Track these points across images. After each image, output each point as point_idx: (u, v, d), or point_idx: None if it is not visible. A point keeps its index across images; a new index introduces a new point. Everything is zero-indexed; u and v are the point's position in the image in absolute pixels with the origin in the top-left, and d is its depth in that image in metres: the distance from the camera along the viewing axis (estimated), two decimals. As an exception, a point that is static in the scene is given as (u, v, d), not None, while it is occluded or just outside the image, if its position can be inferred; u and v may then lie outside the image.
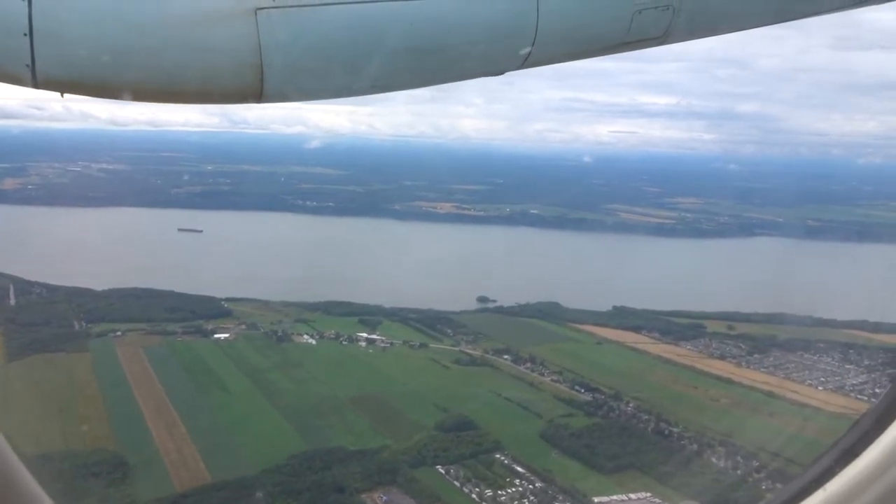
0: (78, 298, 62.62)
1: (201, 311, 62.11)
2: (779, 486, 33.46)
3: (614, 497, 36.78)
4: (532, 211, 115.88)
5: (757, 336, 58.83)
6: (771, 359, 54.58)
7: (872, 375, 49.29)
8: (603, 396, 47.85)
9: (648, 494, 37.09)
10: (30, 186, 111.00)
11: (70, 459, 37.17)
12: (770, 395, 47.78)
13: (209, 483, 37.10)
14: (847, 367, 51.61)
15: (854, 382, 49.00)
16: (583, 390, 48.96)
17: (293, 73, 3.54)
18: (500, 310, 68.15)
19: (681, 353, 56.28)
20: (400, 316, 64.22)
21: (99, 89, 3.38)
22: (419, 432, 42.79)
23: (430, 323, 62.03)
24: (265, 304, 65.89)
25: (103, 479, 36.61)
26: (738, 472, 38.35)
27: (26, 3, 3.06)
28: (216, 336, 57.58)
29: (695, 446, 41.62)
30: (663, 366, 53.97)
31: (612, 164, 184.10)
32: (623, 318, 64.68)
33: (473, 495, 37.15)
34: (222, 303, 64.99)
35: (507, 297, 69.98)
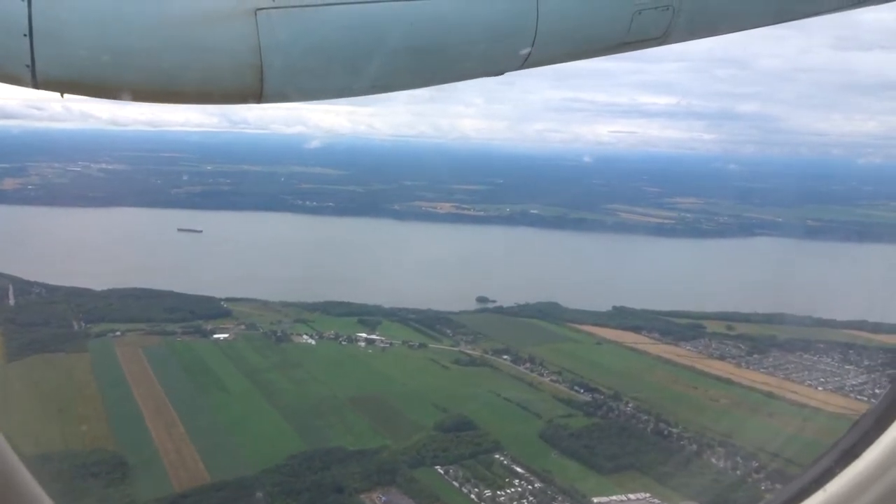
0: (77, 298, 62.59)
1: (201, 311, 62.09)
2: (778, 486, 33.44)
3: (613, 497, 36.74)
4: (532, 211, 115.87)
5: (756, 336, 58.79)
6: (770, 359, 54.55)
7: (872, 376, 49.26)
8: (602, 397, 47.82)
9: (648, 495, 37.06)
10: (30, 186, 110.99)
11: (69, 459, 37.12)
12: (770, 395, 47.74)
13: (208, 483, 37.08)
14: (847, 367, 51.58)
15: (854, 383, 48.97)
16: (582, 390, 48.93)
17: (293, 73, 3.55)
18: (500, 310, 68.11)
19: (680, 353, 56.25)
20: (399, 316, 64.19)
21: (99, 90, 3.40)
22: (418, 432, 42.76)
23: (430, 323, 62.01)
24: (264, 305, 65.85)
25: (102, 479, 36.59)
26: (738, 472, 38.33)
27: (26, 3, 3.07)
28: (215, 336, 57.55)
29: (694, 447, 41.59)
30: (663, 366, 53.93)
31: (612, 164, 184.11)
32: (623, 318, 64.64)
33: (472, 495, 37.10)
34: (222, 303, 64.96)
35: (506, 298, 69.96)
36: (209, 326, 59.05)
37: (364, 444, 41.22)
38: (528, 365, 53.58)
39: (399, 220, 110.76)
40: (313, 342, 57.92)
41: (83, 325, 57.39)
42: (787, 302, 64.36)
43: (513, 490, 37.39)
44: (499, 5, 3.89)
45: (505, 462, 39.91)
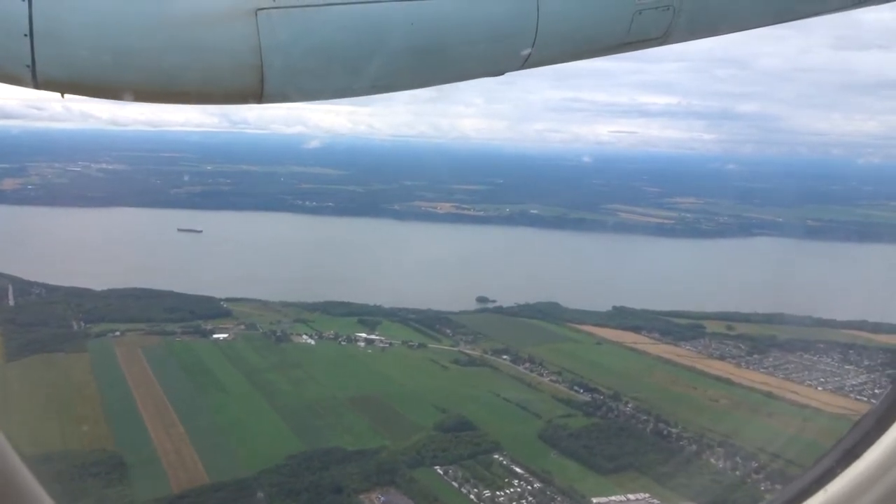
0: (77, 298, 62.57)
1: (200, 311, 62.06)
2: (777, 486, 33.45)
3: (613, 498, 36.68)
4: (532, 211, 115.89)
5: (756, 336, 58.76)
6: (770, 359, 54.51)
7: (872, 376, 49.22)
8: (602, 397, 47.78)
9: (647, 495, 37.02)
10: (29, 186, 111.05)
11: (68, 460, 37.04)
12: (769, 395, 47.69)
13: (207, 484, 37.03)
14: (847, 367, 51.54)
15: (854, 383, 48.93)
16: (582, 391, 48.89)
17: (293, 73, 3.55)
18: (500, 310, 68.09)
19: (680, 353, 56.21)
20: (399, 316, 64.16)
21: (99, 90, 3.40)
22: (418, 433, 42.72)
23: (430, 323, 61.97)
24: (264, 305, 65.83)
25: (101, 479, 36.57)
26: (737, 472, 38.28)
27: (26, 3, 3.07)
28: (215, 336, 57.51)
29: (694, 447, 41.53)
30: (663, 366, 53.88)
31: (612, 164, 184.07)
32: (622, 318, 64.61)
33: (472, 496, 37.05)
34: (221, 303, 64.93)
35: (506, 298, 69.93)
36: (209, 326, 59.03)
37: (363, 445, 41.19)
38: (527, 365, 53.54)
39: (399, 220, 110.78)
40: (313, 342, 57.89)
41: (83, 325, 57.37)
42: (787, 302, 64.34)
43: (512, 490, 37.33)
44: (499, 6, 3.89)
45: (504, 462, 39.87)
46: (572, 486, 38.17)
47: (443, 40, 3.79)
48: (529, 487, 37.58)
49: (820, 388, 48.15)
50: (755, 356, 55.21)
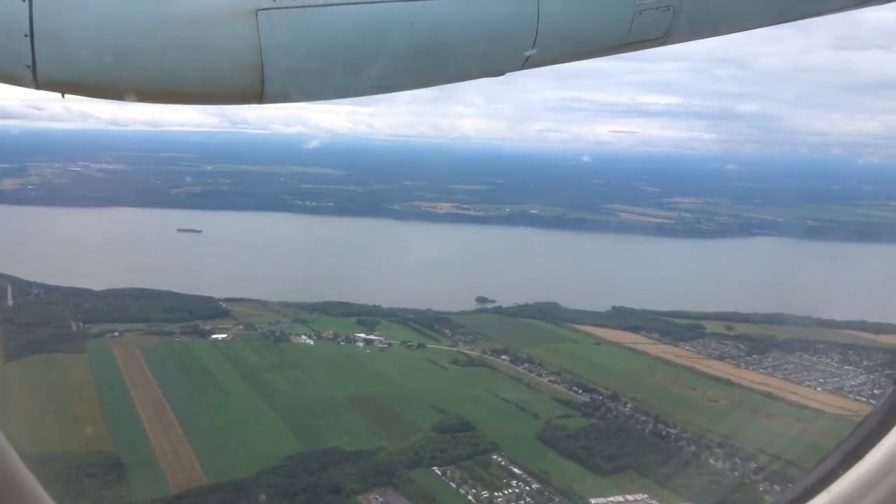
0: (76, 299, 62.58)
1: (199, 311, 62.03)
2: (776, 487, 33.36)
3: (611, 499, 36.62)
4: (532, 211, 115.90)
5: (756, 337, 58.69)
6: (770, 359, 54.44)
7: (871, 376, 49.15)
8: (601, 397, 47.70)
9: (646, 496, 36.96)
10: (29, 186, 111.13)
11: (66, 460, 36.97)
12: (769, 396, 47.62)
13: (205, 484, 36.98)
14: (846, 367, 51.47)
15: (853, 383, 48.86)
16: (581, 391, 48.82)
17: (294, 73, 3.55)
18: (499, 310, 68.05)
19: (679, 353, 56.14)
20: (398, 316, 64.12)
21: (100, 90, 3.41)
22: (416, 433, 42.67)
23: (429, 323, 61.92)
24: (263, 305, 65.80)
25: (99, 480, 36.53)
26: (736, 473, 38.22)
27: (27, 4, 3.08)
28: (214, 336, 57.47)
29: (693, 448, 41.46)
30: (662, 366, 53.81)
31: (612, 164, 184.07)
32: (622, 318, 64.55)
33: (470, 497, 37.02)
34: (220, 303, 64.90)
35: (505, 298, 69.89)
36: (207, 327, 58.98)
37: (361, 445, 41.13)
38: (526, 365, 53.49)
39: (399, 220, 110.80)
40: (312, 342, 57.85)
41: (81, 325, 57.36)
42: (787, 302, 64.25)
43: (510, 491, 37.28)
44: (500, 6, 3.90)
45: (502, 463, 39.82)
46: (571, 487, 38.12)
47: (443, 40, 3.79)
48: (528, 488, 37.54)
49: (819, 389, 48.08)
50: (755, 356, 55.16)
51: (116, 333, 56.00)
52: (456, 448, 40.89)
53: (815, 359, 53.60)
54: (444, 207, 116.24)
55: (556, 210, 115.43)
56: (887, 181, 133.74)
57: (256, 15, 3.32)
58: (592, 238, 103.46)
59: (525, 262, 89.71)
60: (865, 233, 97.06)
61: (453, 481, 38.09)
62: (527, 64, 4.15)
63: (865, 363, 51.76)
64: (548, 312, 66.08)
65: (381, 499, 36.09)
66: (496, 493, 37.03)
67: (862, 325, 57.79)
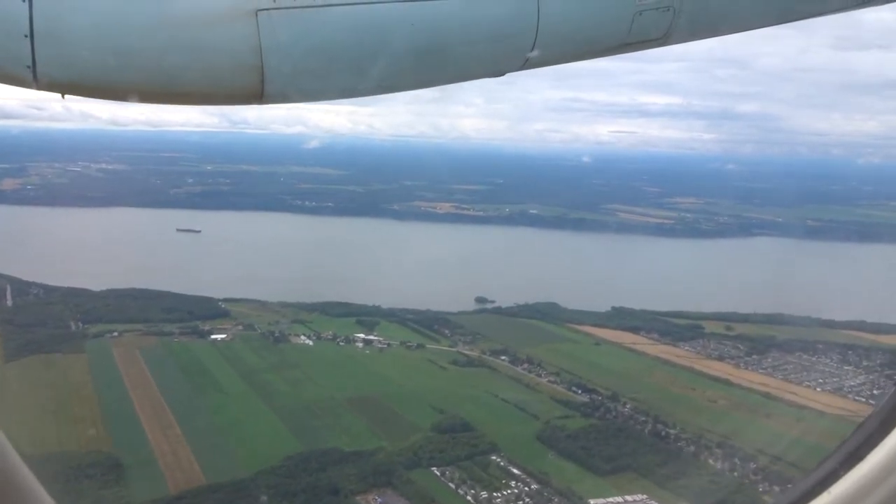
0: (75, 299, 62.53)
1: (198, 311, 62.01)
2: (775, 488, 33.33)
3: (610, 499, 36.59)
4: (532, 211, 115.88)
5: (755, 337, 58.66)
6: (769, 360, 54.41)
7: (871, 377, 49.13)
8: (600, 398, 47.68)
9: (645, 496, 36.95)
10: (29, 187, 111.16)
11: (65, 461, 36.93)
12: (768, 396, 47.60)
13: (204, 485, 36.96)
14: (846, 368, 51.44)
15: (852, 384, 48.82)
16: (580, 391, 48.80)
17: (294, 74, 3.55)
18: (499, 310, 68.03)
19: (679, 353, 56.11)
20: (398, 316, 64.09)
21: (100, 90, 3.40)
22: (415, 434, 42.64)
23: (428, 323, 61.88)
24: (263, 305, 65.78)
25: (98, 480, 36.49)
26: (735, 474, 38.18)
27: (27, 4, 3.07)
28: (213, 337, 57.44)
29: (692, 448, 41.42)
30: (661, 367, 53.78)
31: (612, 164, 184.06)
32: (622, 318, 64.52)
33: (469, 497, 37.00)
34: (220, 303, 64.87)
35: (505, 298, 69.86)
36: (207, 327, 58.95)
37: (360, 446, 41.11)
38: (526, 366, 53.46)
39: (399, 220, 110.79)
40: (311, 343, 57.81)
41: (80, 325, 57.34)
42: (787, 302, 64.23)
43: (509, 492, 37.27)
44: (500, 6, 3.89)
45: (502, 463, 39.80)
46: (570, 488, 38.10)
47: (443, 41, 3.79)
48: (527, 489, 37.51)
49: (819, 389, 48.06)
50: (754, 357, 55.13)
51: (116, 334, 55.99)
52: (455, 448, 40.87)
53: (814, 359, 53.56)
54: (444, 207, 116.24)
55: (556, 210, 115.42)
56: (887, 181, 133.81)
57: (256, 15, 3.32)
58: (592, 238, 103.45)
59: (525, 262, 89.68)
60: (865, 233, 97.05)
61: (452, 482, 38.07)
62: (527, 64, 4.15)
63: (865, 363, 51.74)
64: (547, 313, 66.05)
65: (379, 499, 36.06)
66: (495, 494, 37.02)
67: (862, 326, 57.81)
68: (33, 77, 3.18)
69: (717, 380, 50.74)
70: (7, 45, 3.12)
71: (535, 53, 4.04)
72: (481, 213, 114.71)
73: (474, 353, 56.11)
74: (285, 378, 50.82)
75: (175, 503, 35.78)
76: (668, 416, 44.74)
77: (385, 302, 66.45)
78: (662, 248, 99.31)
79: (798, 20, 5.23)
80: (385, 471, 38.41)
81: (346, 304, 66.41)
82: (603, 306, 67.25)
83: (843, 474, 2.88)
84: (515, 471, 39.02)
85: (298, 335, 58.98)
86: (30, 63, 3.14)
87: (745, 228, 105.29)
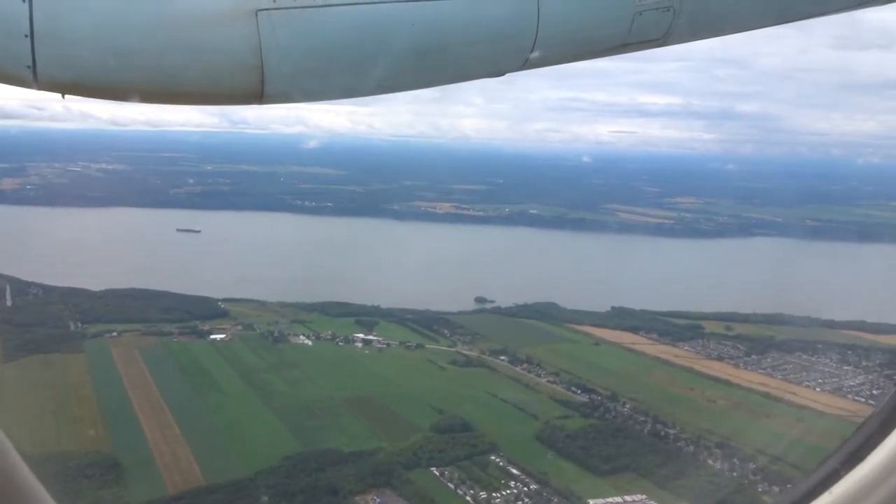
0: (74, 299, 62.51)
1: (198, 311, 61.99)
2: (775, 488, 33.27)
3: (609, 499, 36.57)
4: (531, 211, 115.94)
5: (755, 337, 58.65)
6: (769, 360, 54.39)
7: (870, 377, 49.10)
8: (599, 398, 47.65)
9: (644, 497, 36.91)
10: (28, 186, 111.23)
11: (64, 461, 36.91)
12: (767, 396, 47.56)
13: (203, 485, 36.92)
14: (845, 368, 51.40)
15: (852, 384, 48.80)
16: (579, 391, 48.77)
17: (294, 74, 3.55)
18: (498, 310, 68.01)
19: (678, 353, 56.08)
20: (397, 316, 64.07)
21: (100, 90, 3.41)
22: (414, 434, 42.61)
23: (428, 323, 61.86)
24: (262, 305, 65.76)
25: (96, 480, 36.46)
26: (735, 474, 38.14)
27: (27, 4, 3.07)
28: (212, 337, 57.42)
29: (691, 448, 41.39)
30: (661, 367, 53.76)
31: (612, 163, 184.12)
32: (621, 318, 64.51)
33: (468, 497, 36.96)
34: (219, 303, 64.85)
35: (504, 298, 69.85)
36: (206, 327, 58.94)
37: (359, 446, 41.08)
38: (525, 366, 53.44)
39: (398, 220, 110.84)
40: (310, 343, 57.79)
41: (79, 325, 57.33)
42: (787, 302, 64.17)
43: (508, 492, 37.24)
44: (500, 7, 3.89)
45: (501, 464, 39.77)
46: (569, 488, 38.09)
47: (443, 41, 3.78)
48: (526, 489, 37.48)
49: (818, 389, 48.03)
50: (754, 357, 55.10)
51: (115, 334, 55.97)
52: (454, 448, 40.84)
53: (814, 359, 53.54)
54: (444, 207, 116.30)
55: (556, 210, 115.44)
56: (887, 181, 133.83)
57: (256, 15, 3.31)
58: (592, 238, 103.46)
59: (524, 262, 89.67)
60: (865, 233, 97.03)
61: (451, 482, 38.03)
62: (527, 64, 4.15)
63: (864, 363, 51.71)
64: (547, 313, 66.04)
65: (378, 500, 36.03)
66: (494, 494, 37.00)
67: (861, 326, 57.79)
68: (33, 77, 3.19)
69: (716, 380, 50.71)
70: (7, 45, 3.11)
71: (535, 54, 4.04)
72: (481, 213, 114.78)
73: (474, 353, 56.08)
74: (284, 378, 50.80)
75: (173, 503, 35.73)
76: (668, 416, 44.73)
77: (384, 302, 66.44)
78: (662, 248, 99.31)
79: (798, 20, 5.20)
80: (384, 471, 38.38)
81: (346, 304, 66.40)
82: (602, 306, 67.24)
83: (844, 474, 2.88)
84: (514, 471, 38.99)
85: (298, 335, 58.96)
86: (30, 63, 3.14)
87: (745, 228, 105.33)
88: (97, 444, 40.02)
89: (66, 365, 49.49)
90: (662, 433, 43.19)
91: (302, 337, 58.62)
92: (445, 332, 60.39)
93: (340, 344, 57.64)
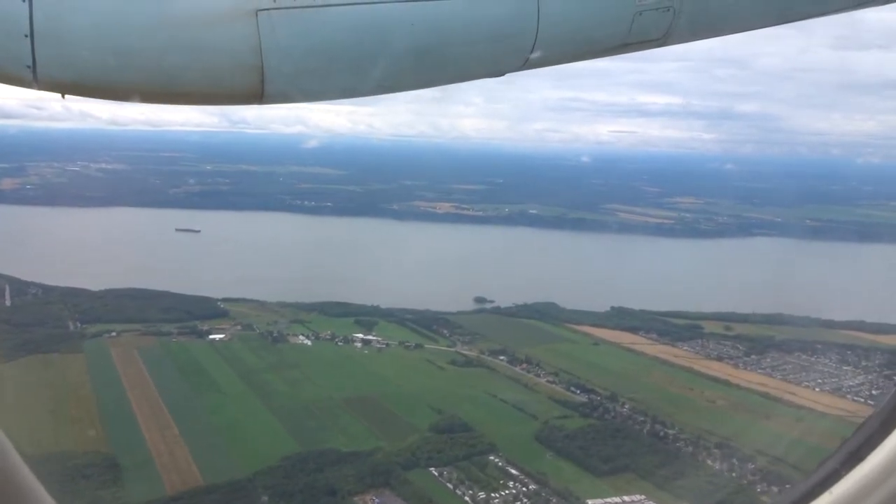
0: (73, 299, 62.46)
1: (197, 311, 61.98)
2: (774, 488, 33.24)
3: (608, 500, 36.54)
4: (531, 211, 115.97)
5: (754, 337, 58.63)
6: (768, 360, 54.37)
7: (870, 377, 49.07)
8: (599, 398, 47.62)
9: (643, 497, 36.88)
10: (28, 186, 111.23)
11: (62, 460, 36.89)
12: (767, 396, 47.52)
13: (201, 486, 36.89)
14: (845, 368, 51.37)
15: (851, 384, 48.76)
16: (578, 391, 48.76)
17: (294, 74, 3.55)
18: (498, 310, 68.00)
19: (678, 353, 56.06)
20: (396, 316, 64.04)
21: (100, 90, 3.41)
22: (413, 434, 42.59)
23: (427, 324, 61.84)
24: (261, 305, 65.74)
25: (95, 480, 36.44)
26: (734, 474, 38.12)
27: (27, 4, 3.07)
28: (211, 337, 57.40)
29: (690, 448, 41.36)
30: (660, 367, 53.74)
31: (612, 163, 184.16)
32: (621, 318, 64.49)
33: (467, 498, 36.93)
34: (218, 303, 64.82)
35: (504, 298, 69.83)
36: (205, 327, 58.91)
37: (358, 446, 41.04)
38: (524, 366, 53.41)
39: (398, 219, 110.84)
40: (309, 343, 57.76)
41: (79, 325, 57.28)
42: (786, 302, 64.15)
43: (507, 492, 37.20)
44: (500, 7, 3.89)
45: (500, 464, 39.73)
46: (568, 488, 38.05)
47: (443, 41, 3.78)
48: (525, 489, 37.45)
49: (818, 390, 48.00)
50: (753, 357, 55.07)
51: (114, 334, 55.94)
52: (453, 449, 40.81)
53: (813, 359, 53.51)
54: (444, 207, 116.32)
55: (556, 210, 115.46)
56: (887, 181, 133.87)
57: (256, 15, 3.31)
58: (591, 238, 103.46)
59: (524, 262, 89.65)
60: (865, 233, 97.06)
61: (450, 482, 37.99)
62: (527, 64, 4.14)
63: (864, 364, 51.68)
64: (546, 313, 66.01)
65: (377, 500, 35.99)
66: (493, 494, 36.95)
67: (861, 326, 57.77)
68: (33, 77, 3.18)
69: (716, 380, 50.69)
70: (7, 45, 3.11)
71: (535, 54, 4.03)
72: (481, 213, 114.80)
73: (473, 354, 56.06)
74: (284, 378, 50.78)
75: (172, 503, 35.69)
76: (667, 416, 44.71)
77: (384, 302, 66.43)
78: (662, 248, 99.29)
79: (798, 20, 5.19)
80: (383, 471, 38.35)
81: (345, 304, 66.37)
82: (602, 306, 67.23)
83: (844, 475, 2.87)
84: (513, 471, 38.96)
85: (297, 335, 58.93)
86: (30, 63, 3.14)
87: (745, 228, 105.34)
88: (96, 444, 40.00)
89: (65, 365, 49.47)
90: (661, 433, 43.15)
91: (301, 337, 58.61)
92: (445, 332, 60.37)
93: (340, 344, 57.62)
